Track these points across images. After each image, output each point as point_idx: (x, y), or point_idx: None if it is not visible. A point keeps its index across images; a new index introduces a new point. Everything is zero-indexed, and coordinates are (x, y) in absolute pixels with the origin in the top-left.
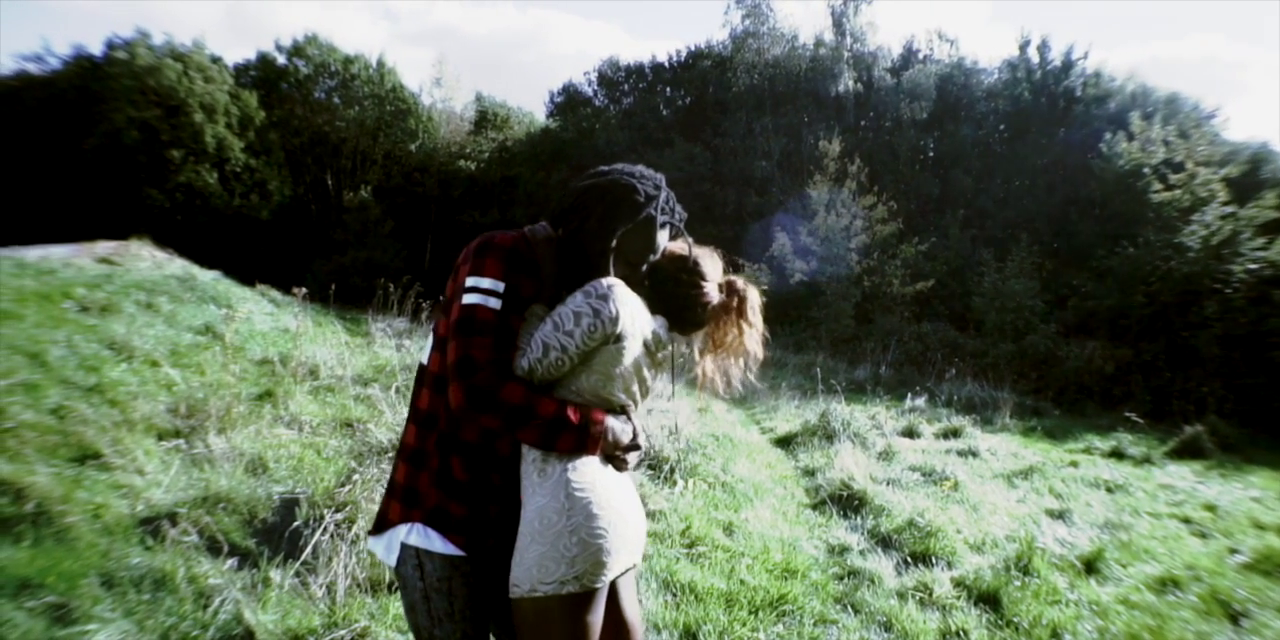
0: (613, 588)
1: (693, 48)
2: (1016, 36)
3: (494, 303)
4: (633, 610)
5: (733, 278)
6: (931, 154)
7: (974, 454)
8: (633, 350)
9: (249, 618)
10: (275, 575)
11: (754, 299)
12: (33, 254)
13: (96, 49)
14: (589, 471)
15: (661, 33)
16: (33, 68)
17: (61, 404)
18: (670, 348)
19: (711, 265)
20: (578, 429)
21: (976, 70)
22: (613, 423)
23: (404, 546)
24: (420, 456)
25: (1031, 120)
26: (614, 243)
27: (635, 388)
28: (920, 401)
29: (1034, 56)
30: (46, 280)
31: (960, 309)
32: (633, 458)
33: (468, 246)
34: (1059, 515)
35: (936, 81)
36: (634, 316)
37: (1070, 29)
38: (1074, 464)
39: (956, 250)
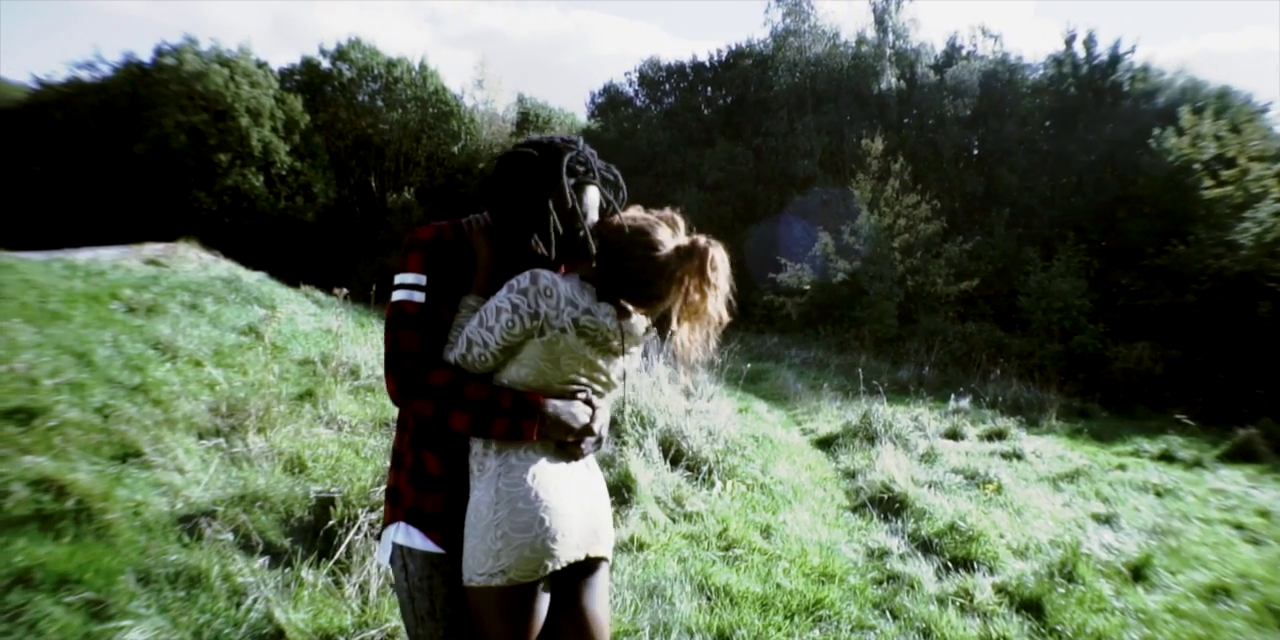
0: (575, 585)
1: (733, 47)
2: (1062, 31)
3: (418, 297)
4: (597, 609)
5: (695, 237)
6: (976, 151)
7: (1019, 456)
8: (564, 341)
9: (279, 616)
10: (309, 574)
11: (718, 258)
12: (83, 256)
13: (146, 55)
14: (524, 465)
15: (702, 32)
16: (85, 75)
17: (106, 403)
18: (620, 333)
19: (665, 230)
20: (510, 413)
21: (1021, 66)
22: (558, 408)
23: (393, 546)
24: (398, 457)
25: (1078, 116)
26: (530, 216)
27: (580, 377)
28: (964, 403)
29: (1080, 51)
30: (95, 282)
31: (1006, 309)
32: (588, 445)
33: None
34: (1106, 520)
35: (980, 78)
36: (562, 307)
37: (1118, 23)
38: (1122, 467)
39: (1002, 249)
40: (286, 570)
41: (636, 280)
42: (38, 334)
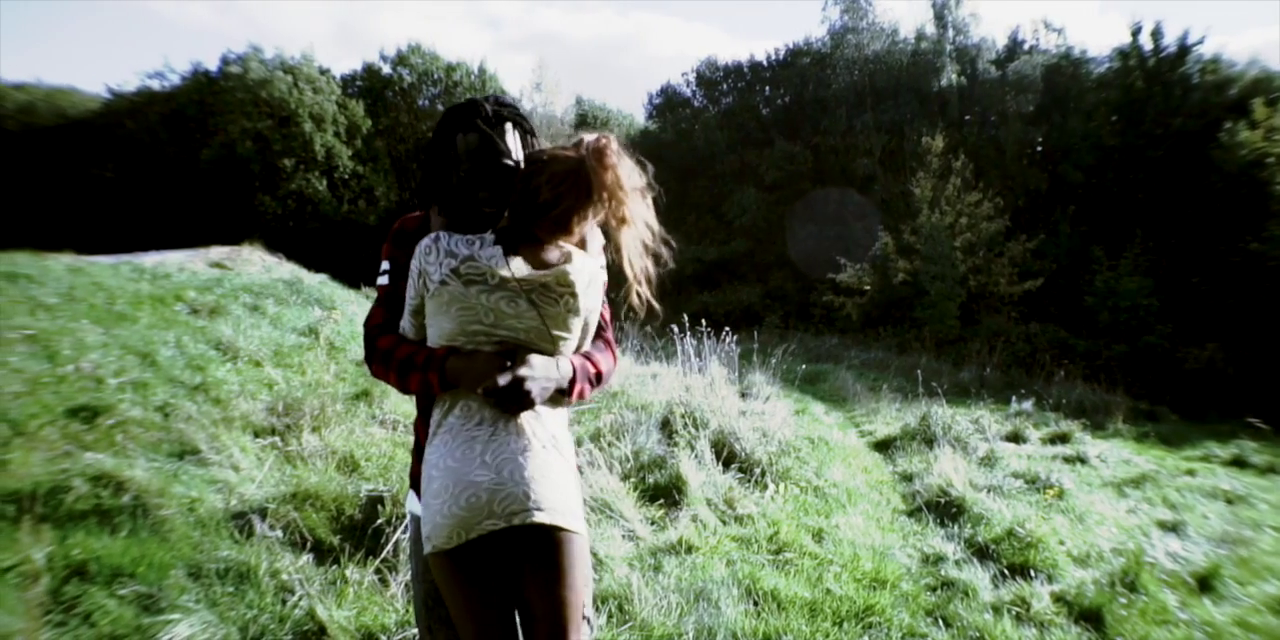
0: (525, 557)
1: (791, 45)
2: (1128, 23)
3: (385, 279)
4: (550, 585)
5: (581, 136)
6: (1039, 148)
7: (1082, 460)
8: (448, 293)
9: (321, 613)
10: (355, 572)
11: (608, 151)
12: (150, 259)
13: (213, 64)
14: (445, 433)
15: (760, 32)
16: (155, 84)
17: (167, 401)
18: (511, 269)
19: (562, 151)
20: (421, 368)
21: (1085, 59)
22: (460, 358)
23: (410, 512)
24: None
25: (1145, 110)
26: (431, 178)
27: (486, 327)
28: (1027, 405)
29: (1147, 43)
30: (161, 284)
31: (1071, 309)
32: (510, 398)
33: None
34: (1172, 527)
35: (1043, 72)
36: (441, 260)
37: (1187, 14)
38: (1190, 472)
39: (1067, 247)
40: (334, 568)
41: (530, 198)
42: (104, 334)
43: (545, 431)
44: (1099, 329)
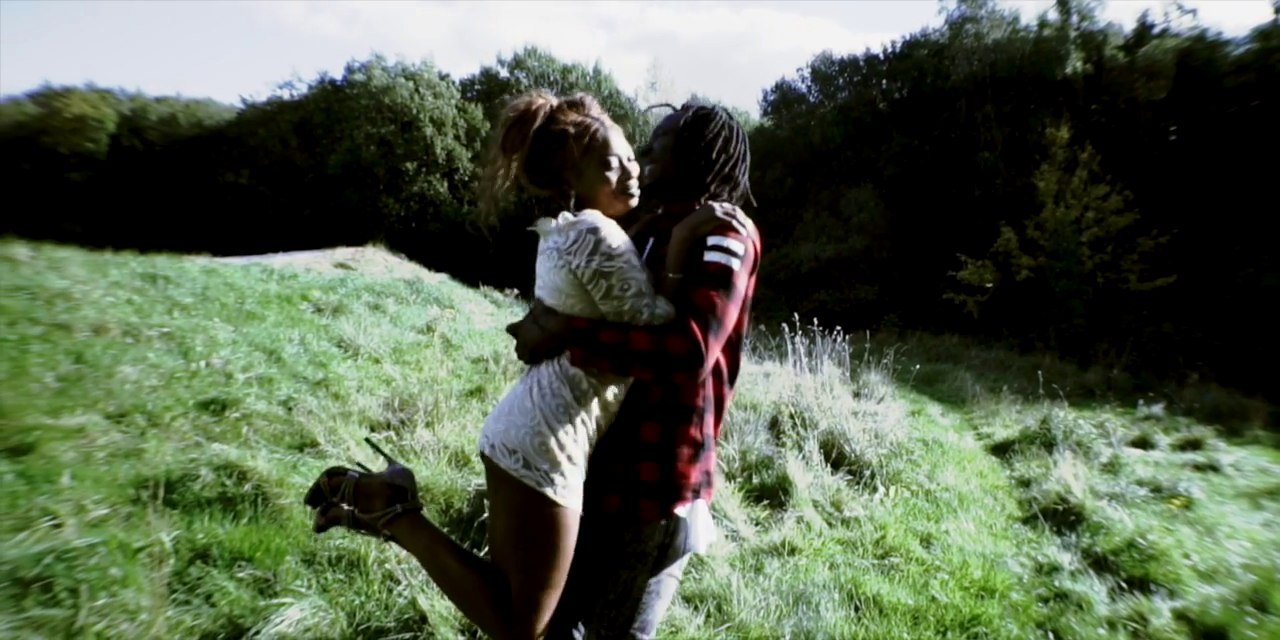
0: None
1: (908, 37)
2: (1269, 0)
3: None
4: (491, 517)
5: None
6: (1172, 137)
7: (1215, 469)
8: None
9: (422, 603)
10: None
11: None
12: (279, 261)
13: (338, 73)
14: None
15: (877, 25)
16: (285, 94)
17: (291, 396)
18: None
19: None
20: None
21: (1222, 42)
22: None
23: None
24: None
25: None
26: None
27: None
28: (1156, 409)
29: None
30: (288, 284)
31: (1207, 307)
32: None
33: None
34: None
35: (1175, 57)
36: None
37: None
38: None
39: (1202, 242)
40: None
41: None
42: (234, 332)
43: (544, 379)
44: (1237, 328)
